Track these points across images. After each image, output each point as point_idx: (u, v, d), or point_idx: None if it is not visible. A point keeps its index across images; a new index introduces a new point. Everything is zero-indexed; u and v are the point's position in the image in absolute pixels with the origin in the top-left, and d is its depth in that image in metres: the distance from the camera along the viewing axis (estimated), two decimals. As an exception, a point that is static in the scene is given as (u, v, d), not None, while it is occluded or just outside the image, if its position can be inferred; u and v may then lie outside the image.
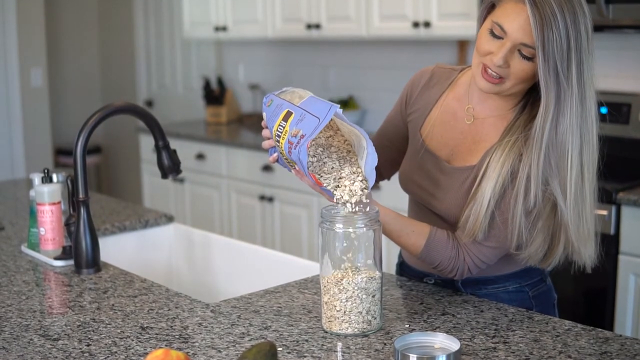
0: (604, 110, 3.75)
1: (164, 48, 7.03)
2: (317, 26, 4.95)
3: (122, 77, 7.61)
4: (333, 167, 1.82)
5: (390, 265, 3.97)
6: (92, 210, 3.11)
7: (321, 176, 1.81)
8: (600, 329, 1.81)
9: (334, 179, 1.80)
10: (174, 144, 5.58)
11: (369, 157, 1.77)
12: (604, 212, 3.33)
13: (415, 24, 4.34)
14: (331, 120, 1.87)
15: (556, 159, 1.84)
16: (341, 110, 1.78)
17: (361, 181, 1.78)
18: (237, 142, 5.23)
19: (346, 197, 1.77)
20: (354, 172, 1.80)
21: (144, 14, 7.17)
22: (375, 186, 2.33)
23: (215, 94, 6.11)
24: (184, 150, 5.62)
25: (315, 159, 1.83)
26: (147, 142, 5.97)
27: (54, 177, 2.64)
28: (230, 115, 6.04)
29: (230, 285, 2.77)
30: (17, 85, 6.50)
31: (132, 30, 7.34)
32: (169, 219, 3.05)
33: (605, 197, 3.34)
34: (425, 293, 2.08)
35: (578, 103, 1.83)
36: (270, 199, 5.00)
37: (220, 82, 6.20)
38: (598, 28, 3.70)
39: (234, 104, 6.08)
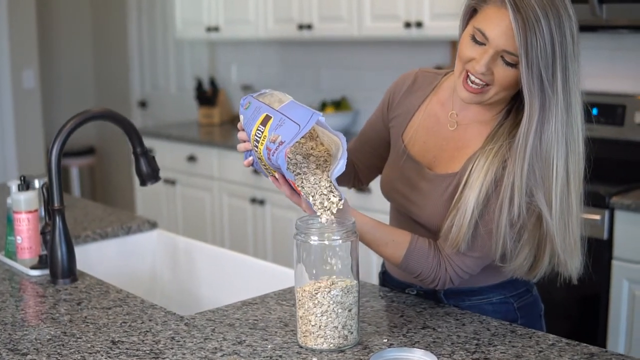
0: (594, 111, 3.71)
1: (157, 48, 6.98)
2: (309, 26, 4.89)
3: (115, 78, 7.55)
4: (312, 178, 1.75)
5: (373, 274, 3.93)
6: (76, 216, 3.08)
7: (301, 187, 1.75)
8: (585, 344, 1.75)
9: (312, 189, 1.74)
10: (165, 145, 5.61)
11: (337, 167, 1.70)
12: (597, 217, 3.27)
13: (407, 24, 4.29)
14: (313, 128, 1.81)
15: (541, 169, 1.78)
16: (323, 118, 1.71)
17: (332, 199, 1.72)
18: (229, 144, 5.17)
19: (322, 209, 1.71)
20: (325, 186, 1.74)
21: (137, 14, 7.12)
22: (365, 189, 2.29)
23: (207, 95, 6.05)
24: (175, 152, 5.58)
25: (296, 167, 1.77)
26: (139, 144, 5.90)
27: (36, 183, 2.59)
28: (222, 117, 5.99)
29: (213, 294, 2.71)
30: (9, 86, 6.44)
31: (125, 30, 7.29)
32: (152, 225, 2.99)
33: (598, 201, 3.28)
34: (407, 305, 2.02)
35: (563, 111, 1.76)
36: (262, 202, 4.94)
37: (212, 83, 6.14)
38: (591, 28, 3.68)
39: (226, 105, 6.02)
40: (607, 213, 3.28)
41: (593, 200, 3.25)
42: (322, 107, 5.22)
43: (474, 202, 1.83)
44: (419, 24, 4.23)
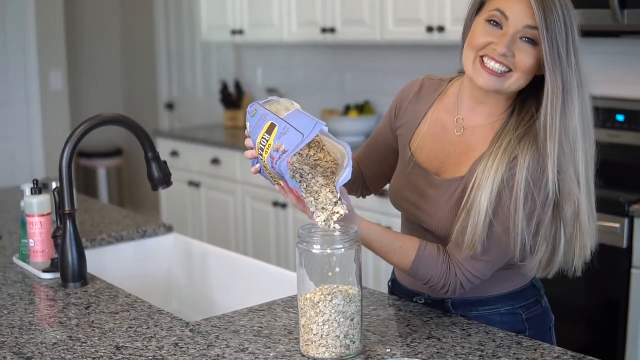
0: (621, 118, 3.67)
1: (184, 51, 7.00)
2: (332, 30, 4.88)
3: (143, 80, 7.59)
4: (316, 189, 1.74)
5: (382, 283, 3.91)
6: (93, 219, 3.09)
7: (305, 196, 1.74)
8: (591, 357, 1.72)
9: (316, 200, 1.73)
10: (191, 148, 5.62)
11: (342, 177, 1.69)
12: (616, 225, 3.23)
13: (430, 29, 4.27)
14: (319, 139, 1.80)
15: (570, 146, 1.79)
16: (327, 128, 1.71)
17: (341, 204, 1.71)
18: (252, 147, 5.16)
19: (324, 219, 1.70)
20: (330, 195, 1.73)
21: (164, 17, 7.15)
22: (365, 194, 2.28)
23: (232, 98, 6.07)
24: (200, 154, 5.60)
25: (302, 177, 1.76)
26: (164, 146, 5.94)
27: (54, 185, 2.60)
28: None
29: (228, 299, 2.72)
30: (37, 88, 6.49)
31: (152, 33, 7.32)
32: (169, 229, 3.00)
33: (618, 209, 3.24)
34: (414, 314, 2.00)
35: (579, 90, 1.80)
36: (284, 206, 4.94)
37: (238, 86, 6.15)
38: (613, 34, 3.65)
39: (251, 108, 6.02)
40: (626, 221, 3.24)
41: (612, 208, 3.22)
42: (346, 110, 5.21)
43: (487, 202, 1.81)
44: (441, 29, 4.22)
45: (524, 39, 1.80)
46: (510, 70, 1.83)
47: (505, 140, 1.85)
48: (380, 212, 4.03)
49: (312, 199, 1.73)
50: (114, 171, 7.51)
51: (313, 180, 1.75)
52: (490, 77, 1.84)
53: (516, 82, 1.84)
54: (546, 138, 1.79)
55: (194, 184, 5.68)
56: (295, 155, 1.73)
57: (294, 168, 1.74)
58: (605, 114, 3.71)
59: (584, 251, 1.87)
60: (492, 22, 1.83)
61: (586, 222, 1.83)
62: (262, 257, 5.16)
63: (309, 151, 1.79)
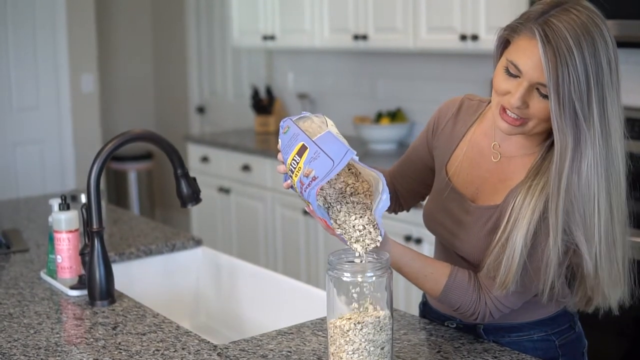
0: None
1: (215, 55, 6.99)
2: (364, 37, 4.84)
3: (174, 84, 7.58)
4: (345, 218, 1.71)
5: (413, 305, 3.86)
6: (121, 231, 3.08)
7: (336, 223, 1.70)
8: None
9: (346, 228, 1.70)
10: (221, 154, 5.60)
11: (380, 204, 1.65)
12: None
13: (463, 37, 4.21)
14: (352, 165, 1.76)
15: (581, 206, 1.70)
16: (357, 157, 1.66)
17: (372, 235, 1.67)
18: (283, 154, 5.14)
19: (358, 249, 1.67)
20: (367, 224, 1.69)
21: (196, 20, 7.14)
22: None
23: (263, 103, 6.04)
24: (231, 161, 5.58)
25: (330, 206, 1.72)
26: (194, 151, 5.93)
27: (82, 198, 2.58)
28: (278, 125, 5.95)
29: (256, 315, 2.69)
30: (68, 91, 6.49)
31: (184, 36, 7.31)
32: (197, 242, 2.98)
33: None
34: (445, 339, 1.96)
35: (602, 144, 1.69)
36: (314, 213, 4.90)
37: (269, 91, 6.13)
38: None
39: (282, 114, 5.99)
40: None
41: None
42: (378, 117, 5.17)
43: (522, 242, 1.76)
44: (474, 37, 4.16)
45: (539, 92, 1.72)
46: (527, 120, 1.77)
47: (543, 179, 1.78)
48: (412, 223, 3.98)
49: (342, 230, 1.69)
50: (145, 174, 7.51)
51: (343, 208, 1.71)
52: (507, 125, 1.78)
53: (535, 127, 1.77)
54: (550, 197, 1.73)
55: (224, 190, 5.66)
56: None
57: (324, 199, 1.71)
58: (641, 126, 3.65)
59: (613, 298, 1.81)
60: (508, 72, 1.76)
61: (604, 277, 1.76)
62: (291, 265, 5.14)
63: (342, 178, 1.75)
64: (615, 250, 1.76)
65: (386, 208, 1.65)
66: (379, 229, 1.68)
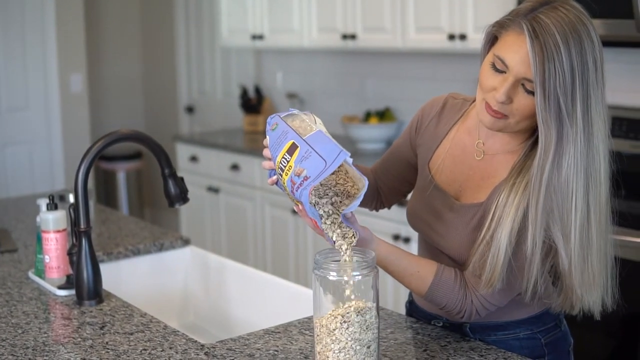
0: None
1: (204, 55, 6.99)
2: (353, 37, 4.85)
3: (163, 83, 7.58)
4: (330, 216, 1.71)
5: (401, 304, 3.87)
6: (109, 231, 3.08)
7: (324, 227, 1.71)
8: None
9: (331, 227, 1.70)
10: (210, 153, 5.60)
11: (349, 207, 1.67)
12: (637, 240, 3.18)
13: (451, 37, 4.23)
14: (342, 163, 1.76)
15: (559, 203, 1.71)
16: (351, 159, 1.67)
17: (353, 235, 1.69)
18: (271, 153, 5.14)
19: (342, 247, 1.68)
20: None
21: (184, 20, 7.14)
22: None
23: (252, 103, 6.05)
24: (220, 160, 5.58)
25: (321, 207, 1.73)
26: (183, 151, 5.94)
27: (71, 198, 2.58)
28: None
29: (244, 314, 2.70)
30: (57, 91, 6.49)
31: (173, 36, 7.31)
32: (185, 242, 2.98)
33: (638, 223, 3.19)
34: (432, 337, 1.97)
35: (584, 141, 1.70)
36: (303, 213, 4.91)
37: (257, 90, 6.13)
38: (637, 44, 3.58)
39: (271, 113, 5.99)
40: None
41: (634, 222, 3.17)
42: (367, 117, 5.18)
43: (506, 240, 1.77)
44: (462, 37, 4.18)
45: (524, 88, 1.73)
46: (508, 116, 1.78)
47: (527, 177, 1.78)
48: (401, 222, 4.00)
49: (331, 232, 1.70)
50: (134, 174, 7.50)
51: (328, 204, 1.72)
52: (491, 118, 1.79)
53: (518, 124, 1.79)
54: (531, 192, 1.73)
55: (213, 190, 5.67)
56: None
57: (316, 200, 1.71)
58: (628, 124, 3.66)
59: (587, 300, 1.80)
60: (495, 67, 1.77)
61: (577, 276, 1.75)
62: (279, 264, 5.14)
63: (334, 176, 1.75)
64: (590, 249, 1.75)
65: (353, 209, 1.67)
66: (350, 227, 1.70)
